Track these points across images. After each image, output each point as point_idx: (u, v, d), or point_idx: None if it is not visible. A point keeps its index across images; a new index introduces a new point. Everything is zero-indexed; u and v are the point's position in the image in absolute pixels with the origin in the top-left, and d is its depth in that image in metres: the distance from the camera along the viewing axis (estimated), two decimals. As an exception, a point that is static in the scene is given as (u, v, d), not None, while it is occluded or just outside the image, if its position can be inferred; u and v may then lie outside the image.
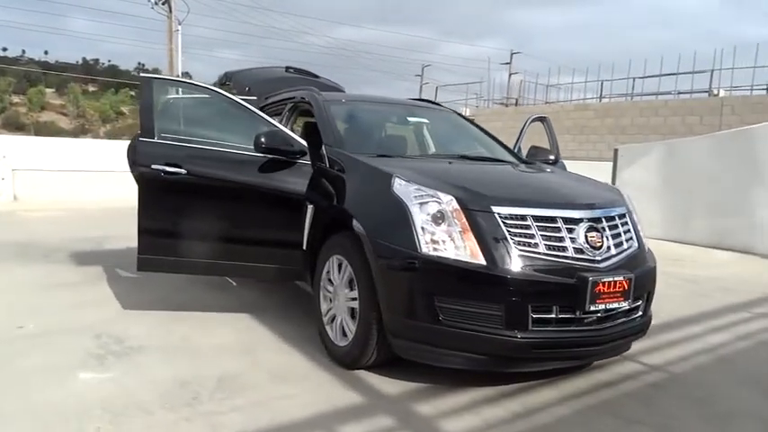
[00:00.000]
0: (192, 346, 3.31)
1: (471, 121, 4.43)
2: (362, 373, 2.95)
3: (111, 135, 53.93)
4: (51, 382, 2.75)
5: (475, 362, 2.66)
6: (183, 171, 3.40)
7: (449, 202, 2.68)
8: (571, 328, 2.65)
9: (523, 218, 2.68)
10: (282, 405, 2.59)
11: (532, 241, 2.64)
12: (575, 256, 2.68)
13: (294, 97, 4.36)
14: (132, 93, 68.69)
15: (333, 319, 3.15)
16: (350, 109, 3.97)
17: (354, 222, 2.92)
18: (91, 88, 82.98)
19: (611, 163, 8.76)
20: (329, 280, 3.18)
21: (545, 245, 2.65)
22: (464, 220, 2.64)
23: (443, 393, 2.75)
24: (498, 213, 2.66)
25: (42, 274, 4.88)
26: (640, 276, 2.82)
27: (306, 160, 3.51)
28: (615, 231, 2.89)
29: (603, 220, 2.85)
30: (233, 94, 4.90)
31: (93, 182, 10.50)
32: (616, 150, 8.73)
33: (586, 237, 2.72)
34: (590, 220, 2.79)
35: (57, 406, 2.51)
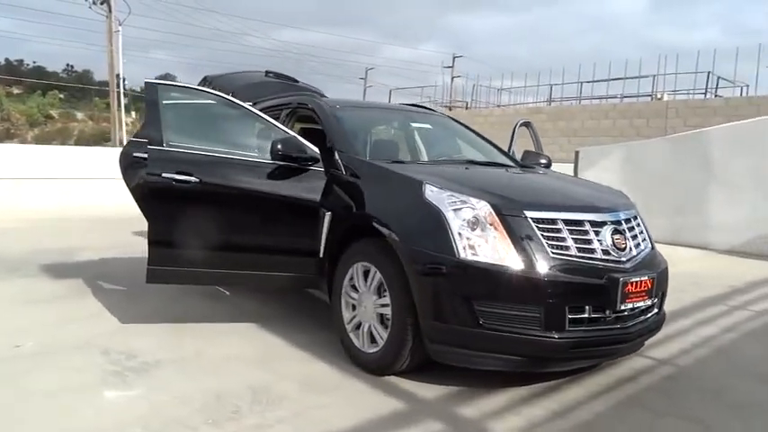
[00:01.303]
0: (209, 358, 3.23)
1: (467, 126, 4.52)
2: (393, 380, 2.96)
3: (41, 140, 51.21)
4: (78, 403, 2.62)
5: (512, 363, 2.72)
6: (195, 179, 3.32)
7: (483, 208, 2.74)
8: (602, 328, 2.76)
9: (554, 221, 2.78)
10: (326, 415, 2.57)
11: (564, 244, 2.74)
12: (603, 257, 2.79)
13: (290, 103, 4.31)
14: (61, 95, 65.48)
15: (358, 326, 3.14)
16: (355, 115, 3.97)
17: (384, 229, 2.93)
18: (15, 90, 78.52)
19: (572, 165, 9.10)
20: (353, 287, 3.18)
21: (576, 247, 2.75)
22: (499, 224, 2.71)
23: (480, 396, 2.80)
24: (531, 218, 2.74)
25: (18, 290, 4.61)
26: (659, 275, 2.97)
27: (318, 167, 3.49)
28: (633, 233, 3.03)
29: (623, 222, 2.99)
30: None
31: (32, 190, 9.98)
32: (577, 152, 9.08)
33: (612, 239, 2.84)
34: (612, 222, 2.92)
35: (94, 428, 2.40)
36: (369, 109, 4.26)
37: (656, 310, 3.07)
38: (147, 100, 3.42)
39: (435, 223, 2.75)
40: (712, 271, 6.34)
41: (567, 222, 2.79)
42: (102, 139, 47.27)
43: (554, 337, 2.63)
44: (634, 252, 2.94)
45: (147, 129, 3.35)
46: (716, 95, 13.97)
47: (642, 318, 2.94)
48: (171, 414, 2.53)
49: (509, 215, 2.73)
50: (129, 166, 4.18)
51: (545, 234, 2.72)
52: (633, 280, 2.75)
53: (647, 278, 2.83)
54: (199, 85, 5.57)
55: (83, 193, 10.43)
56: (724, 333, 4.04)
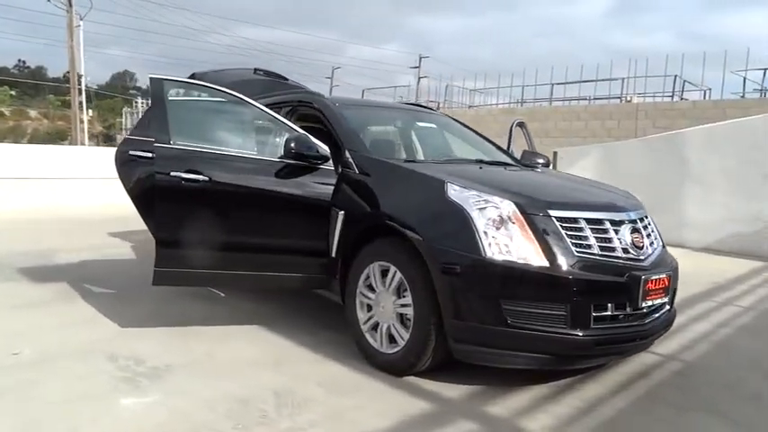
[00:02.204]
0: (220, 361, 3.15)
1: (467, 126, 4.53)
2: (412, 380, 2.94)
3: (-10, 138, 49.18)
4: (94, 411, 2.51)
5: (537, 361, 2.73)
6: (204, 178, 3.23)
7: (508, 207, 2.75)
8: (623, 325, 2.80)
9: (576, 220, 2.80)
10: (356, 416, 2.53)
11: (586, 243, 2.77)
12: (623, 256, 2.83)
13: (290, 101, 4.24)
14: (12, 92, 62.96)
15: (374, 326, 3.11)
16: (361, 114, 3.93)
17: (405, 229, 2.91)
18: (-39, 87, 75.19)
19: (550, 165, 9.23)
20: (368, 287, 3.15)
21: (598, 246, 2.79)
22: (524, 223, 2.72)
23: (503, 394, 2.81)
24: (555, 217, 2.76)
25: (1, 295, 4.41)
26: (673, 273, 3.03)
27: (328, 166, 3.44)
28: (647, 232, 3.09)
29: (638, 221, 3.04)
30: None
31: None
32: (555, 153, 9.23)
33: (631, 237, 2.89)
34: (630, 221, 2.97)
35: (119, 436, 2.31)
36: (372, 108, 4.22)
37: (667, 307, 3.13)
38: (153, 96, 3.32)
39: (460, 223, 2.75)
40: (692, 268, 6.50)
41: (588, 221, 2.82)
42: (58, 137, 45.76)
43: (579, 335, 2.65)
44: (649, 250, 2.99)
45: (152, 126, 3.24)
46: (681, 98, 14.45)
47: (657, 315, 3.00)
48: (196, 420, 2.46)
49: (533, 214, 2.74)
50: (126, 164, 4.05)
51: (568, 233, 2.75)
52: (653, 278, 2.80)
53: (664, 276, 2.88)
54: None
55: (52, 194, 10.06)
56: (718, 329, 4.15)
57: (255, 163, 3.37)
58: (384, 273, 3.06)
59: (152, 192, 3.29)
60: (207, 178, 3.24)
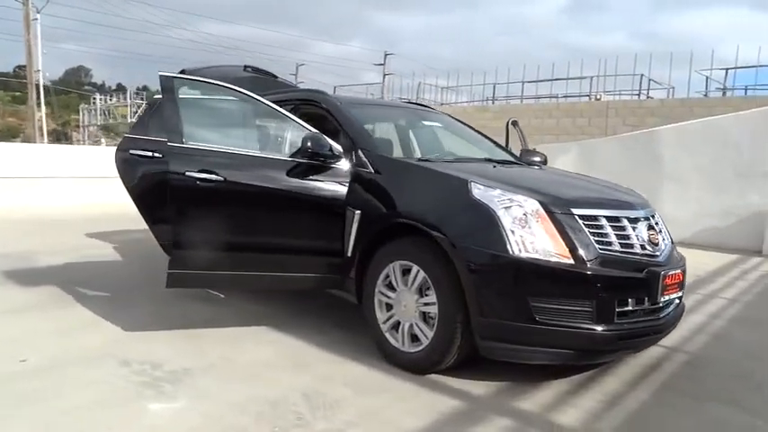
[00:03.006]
0: (239, 364, 3.10)
1: (467, 125, 4.57)
2: (436, 378, 2.95)
3: (-60, 136, 46.87)
4: (126, 417, 2.45)
5: (562, 356, 2.78)
6: (219, 178, 3.17)
7: (533, 206, 2.79)
8: (643, 319, 2.88)
9: (597, 218, 2.87)
10: (391, 415, 2.54)
11: (607, 240, 2.84)
12: (641, 252, 2.91)
13: (292, 99, 4.20)
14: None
15: (395, 325, 3.12)
16: (368, 113, 3.92)
17: (429, 228, 2.92)
18: None
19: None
20: (388, 286, 3.15)
21: (618, 243, 2.86)
22: (549, 221, 2.77)
23: (529, 390, 2.86)
24: (578, 215, 2.82)
25: (-11, 299, 4.24)
26: (685, 268, 3.14)
27: (341, 165, 3.42)
28: (659, 228, 3.18)
29: (650, 218, 3.13)
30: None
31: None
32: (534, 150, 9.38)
33: (648, 234, 2.97)
34: (644, 219, 3.06)
35: (157, 443, 2.25)
36: (377, 106, 4.22)
37: (677, 302, 3.23)
38: (164, 95, 3.23)
39: (486, 221, 2.77)
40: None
41: (608, 219, 2.89)
42: (9, 135, 43.97)
43: (604, 330, 2.71)
44: (662, 246, 3.08)
45: (164, 126, 3.16)
46: (648, 96, 14.88)
47: (669, 309, 3.09)
48: (231, 423, 2.42)
49: (557, 212, 2.79)
50: (127, 164, 3.94)
51: (590, 230, 2.81)
52: (670, 273, 2.89)
53: (679, 271, 2.98)
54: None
55: (22, 193, 9.71)
56: (712, 320, 4.31)
57: (270, 162, 3.33)
58: (405, 272, 3.07)
59: (161, 192, 3.22)
60: (222, 178, 3.18)
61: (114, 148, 4.33)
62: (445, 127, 4.42)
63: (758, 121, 7.55)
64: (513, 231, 2.73)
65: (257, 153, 3.36)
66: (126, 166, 3.98)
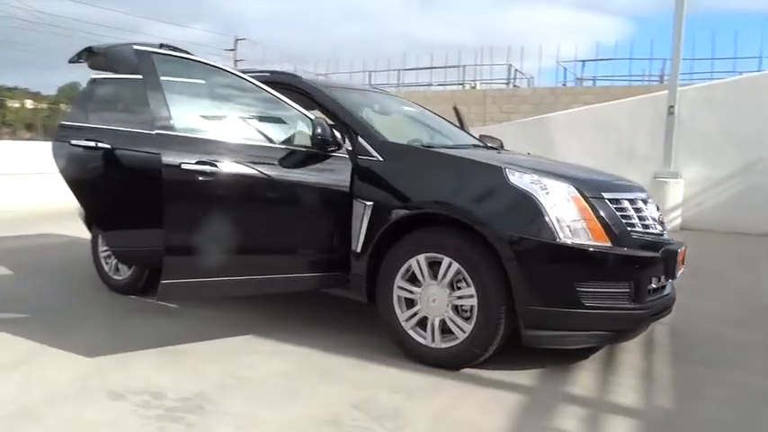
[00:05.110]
0: (255, 381, 2.74)
1: (432, 112, 4.48)
2: (472, 372, 2.86)
3: None
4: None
5: (602, 339, 2.85)
6: (220, 170, 2.76)
7: (570, 191, 2.79)
8: (662, 296, 3.03)
9: (620, 201, 2.95)
10: (462, 417, 2.41)
11: (632, 222, 2.93)
12: (655, 231, 3.05)
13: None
14: None
15: (420, 321, 2.97)
16: (350, 97, 3.65)
17: (465, 217, 2.80)
18: None
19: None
20: (410, 281, 2.98)
21: (640, 224, 2.96)
22: (586, 206, 2.78)
23: (568, 374, 2.87)
24: (608, 198, 2.88)
25: None
26: None
27: (342, 153, 3.17)
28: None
29: (650, 200, 3.30)
30: (101, 70, 4.07)
31: None
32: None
33: (657, 215, 3.13)
34: (651, 200, 3.21)
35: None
36: (355, 91, 3.95)
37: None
38: (144, 74, 2.72)
39: (530, 208, 2.72)
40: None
41: (630, 202, 2.99)
42: None
43: (640, 309, 2.81)
44: (664, 226, 3.27)
45: (151, 109, 2.66)
46: (514, 86, 15.92)
47: (670, 285, 3.29)
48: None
49: (592, 197, 2.82)
50: (70, 157, 3.29)
51: (620, 214, 2.88)
52: (681, 250, 3.06)
53: (684, 248, 3.17)
54: (77, 56, 4.58)
55: None
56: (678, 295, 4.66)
57: (272, 151, 2.97)
58: (432, 265, 2.92)
59: (134, 189, 2.74)
60: (223, 170, 2.77)
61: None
62: (422, 113, 4.29)
63: (636, 108, 8.39)
64: (557, 218, 2.71)
65: (258, 142, 2.98)
66: (67, 159, 3.32)
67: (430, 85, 16.80)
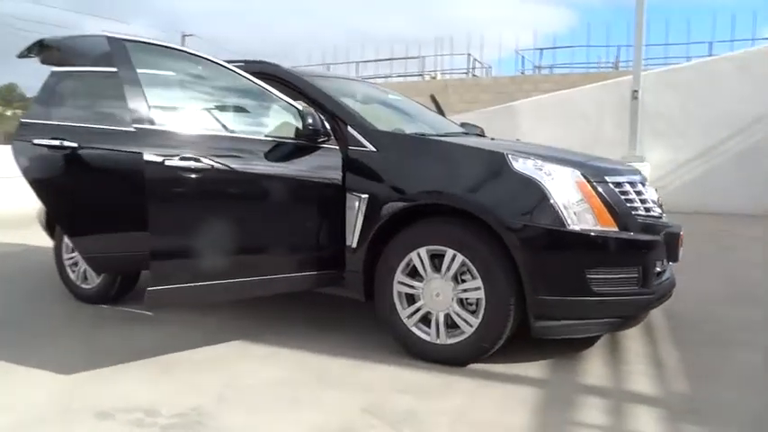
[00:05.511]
0: (254, 391, 2.55)
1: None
2: (480, 367, 2.75)
3: None
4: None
5: (610, 326, 2.77)
6: (206, 166, 2.55)
7: (575, 176, 2.70)
8: (664, 279, 2.98)
9: (622, 185, 2.88)
10: (487, 417, 2.28)
11: (635, 205, 2.86)
12: (656, 214, 3.00)
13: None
14: None
15: (424, 317, 2.84)
16: (333, 86, 3.46)
17: (470, 207, 2.68)
18: None
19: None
20: (411, 275, 2.84)
21: (642, 207, 2.90)
22: (592, 192, 2.70)
23: (578, 365, 2.80)
24: (611, 182, 2.80)
25: None
26: None
27: (331, 144, 3.00)
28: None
29: (648, 183, 3.25)
30: (55, 65, 3.78)
31: None
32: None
33: (657, 198, 3.08)
34: (648, 183, 3.16)
35: None
36: (334, 79, 3.78)
37: None
38: (119, 63, 2.48)
39: (537, 195, 2.62)
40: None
41: (630, 185, 2.92)
42: None
43: (647, 294, 2.75)
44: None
45: (128, 102, 2.43)
46: (474, 75, 15.95)
47: (670, 268, 3.25)
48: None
49: (597, 182, 2.74)
50: (33, 157, 3.01)
51: (624, 197, 2.81)
52: (681, 232, 3.02)
53: (682, 230, 3.13)
54: (28, 50, 4.24)
55: None
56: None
57: (259, 145, 2.78)
58: (434, 257, 2.79)
59: (123, 189, 2.51)
60: (209, 166, 2.57)
61: None
62: (404, 102, 4.14)
63: (601, 94, 8.47)
64: (564, 204, 2.61)
65: (244, 135, 2.78)
66: (30, 160, 3.03)
67: (389, 77, 16.71)
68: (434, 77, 14.98)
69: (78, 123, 3.14)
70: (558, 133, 8.63)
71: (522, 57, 16.05)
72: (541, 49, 16.39)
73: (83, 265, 3.89)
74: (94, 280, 3.87)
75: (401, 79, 16.07)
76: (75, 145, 3.07)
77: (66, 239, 4.03)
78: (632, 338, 3.17)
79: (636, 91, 7.97)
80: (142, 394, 2.52)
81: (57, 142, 3.04)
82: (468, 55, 16.01)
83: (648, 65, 12.64)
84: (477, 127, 4.47)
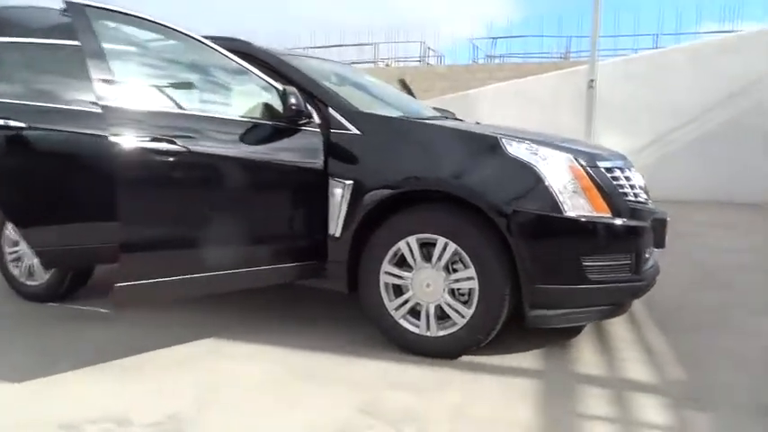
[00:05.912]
0: (237, 392, 2.36)
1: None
2: (472, 360, 2.64)
3: None
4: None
5: (603, 313, 2.72)
6: (180, 149, 2.33)
7: (569, 161, 2.62)
8: (651, 265, 2.95)
9: (613, 170, 2.82)
10: (491, 412, 2.18)
11: (625, 191, 2.80)
12: (644, 200, 2.96)
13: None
14: None
15: (412, 309, 2.71)
16: (312, 66, 3.26)
17: (463, 193, 2.56)
18: None
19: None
20: (399, 265, 2.70)
21: (632, 193, 2.85)
22: (586, 177, 2.62)
23: (568, 353, 2.75)
24: (603, 167, 2.73)
25: None
26: None
27: (313, 127, 2.81)
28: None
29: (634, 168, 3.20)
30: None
31: None
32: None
33: (643, 183, 3.04)
34: (635, 169, 3.11)
35: None
36: (307, 59, 3.55)
37: None
38: (80, 31, 2.21)
39: (532, 181, 2.52)
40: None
41: (620, 170, 2.87)
42: None
43: (639, 280, 2.70)
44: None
45: (91, 76, 2.17)
46: (428, 64, 15.88)
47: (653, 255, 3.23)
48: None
49: (590, 166, 2.66)
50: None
51: (616, 183, 2.75)
52: (667, 218, 3.00)
53: (668, 216, 3.11)
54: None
55: None
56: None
57: (236, 126, 2.56)
58: (424, 246, 2.66)
59: (83, 175, 2.26)
60: (184, 149, 2.34)
61: None
62: (379, 85, 3.96)
63: (559, 83, 8.54)
64: (559, 190, 2.53)
65: (220, 115, 2.55)
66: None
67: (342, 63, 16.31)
68: (389, 65, 14.83)
69: (26, 101, 2.83)
70: (516, 121, 8.65)
71: (476, 46, 16.17)
72: (494, 38, 16.50)
73: (28, 260, 3.57)
74: (42, 276, 3.55)
75: (366, 66, 15.82)
76: (23, 125, 2.76)
77: (6, 232, 3.69)
78: (616, 325, 3.14)
79: (592, 80, 8.06)
80: (110, 401, 2.29)
81: (18, 123, 2.72)
82: (422, 43, 15.99)
83: (600, 56, 12.91)
84: (449, 111, 4.37)
